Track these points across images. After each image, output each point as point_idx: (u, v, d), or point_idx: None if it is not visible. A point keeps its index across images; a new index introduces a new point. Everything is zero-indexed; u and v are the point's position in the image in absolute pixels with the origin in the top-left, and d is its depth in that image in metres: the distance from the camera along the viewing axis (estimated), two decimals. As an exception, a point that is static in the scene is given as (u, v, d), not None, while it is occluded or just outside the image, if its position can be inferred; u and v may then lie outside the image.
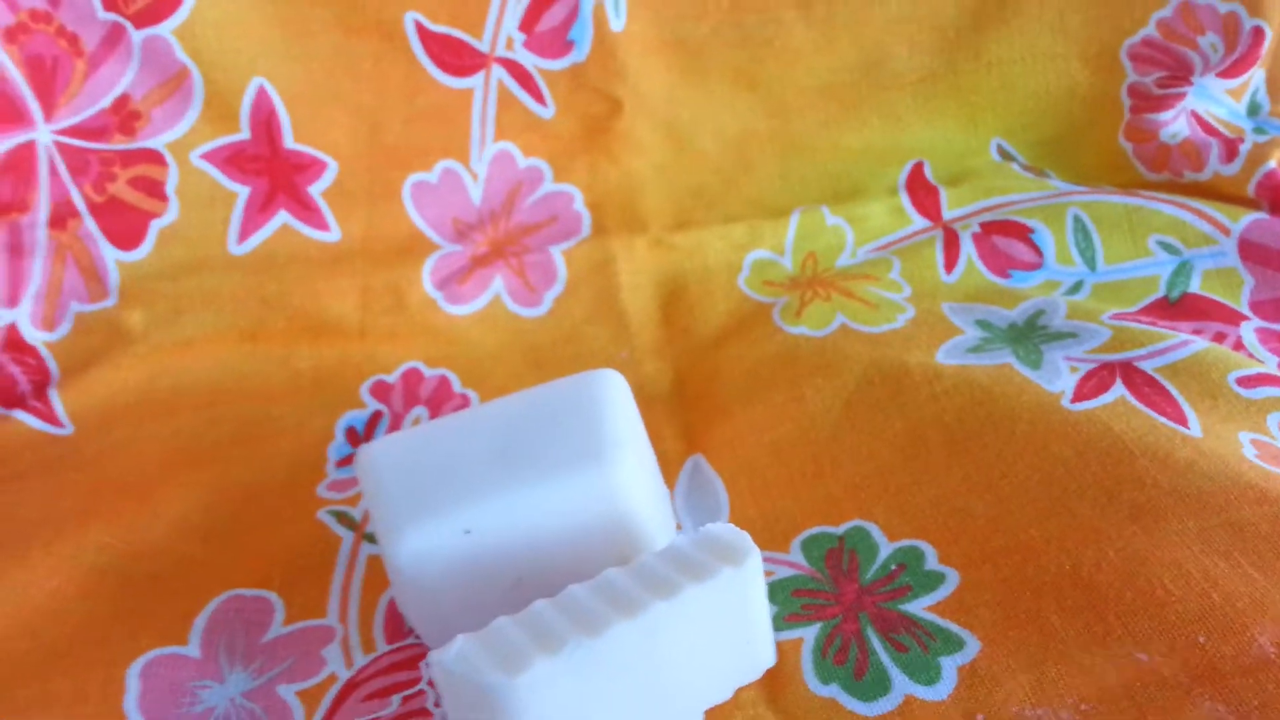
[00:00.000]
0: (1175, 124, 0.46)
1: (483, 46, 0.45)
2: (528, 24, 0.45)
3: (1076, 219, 0.44)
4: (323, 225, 0.45)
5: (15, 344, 0.41)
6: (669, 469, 0.38)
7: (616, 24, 0.45)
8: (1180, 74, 0.46)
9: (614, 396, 0.31)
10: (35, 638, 0.33)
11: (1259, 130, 0.46)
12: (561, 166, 0.47)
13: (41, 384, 0.41)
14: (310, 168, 0.44)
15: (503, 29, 0.45)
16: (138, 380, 0.41)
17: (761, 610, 0.29)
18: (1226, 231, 0.43)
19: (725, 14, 0.46)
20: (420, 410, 0.41)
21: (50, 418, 0.40)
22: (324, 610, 0.34)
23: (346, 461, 0.40)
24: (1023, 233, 0.44)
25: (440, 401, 0.42)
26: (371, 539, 0.36)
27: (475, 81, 0.45)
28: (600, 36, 0.45)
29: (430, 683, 0.30)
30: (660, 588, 0.27)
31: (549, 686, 0.25)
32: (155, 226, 0.43)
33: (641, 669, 0.26)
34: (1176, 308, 0.41)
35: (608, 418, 0.30)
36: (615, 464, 0.29)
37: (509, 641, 0.26)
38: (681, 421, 0.40)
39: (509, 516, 0.29)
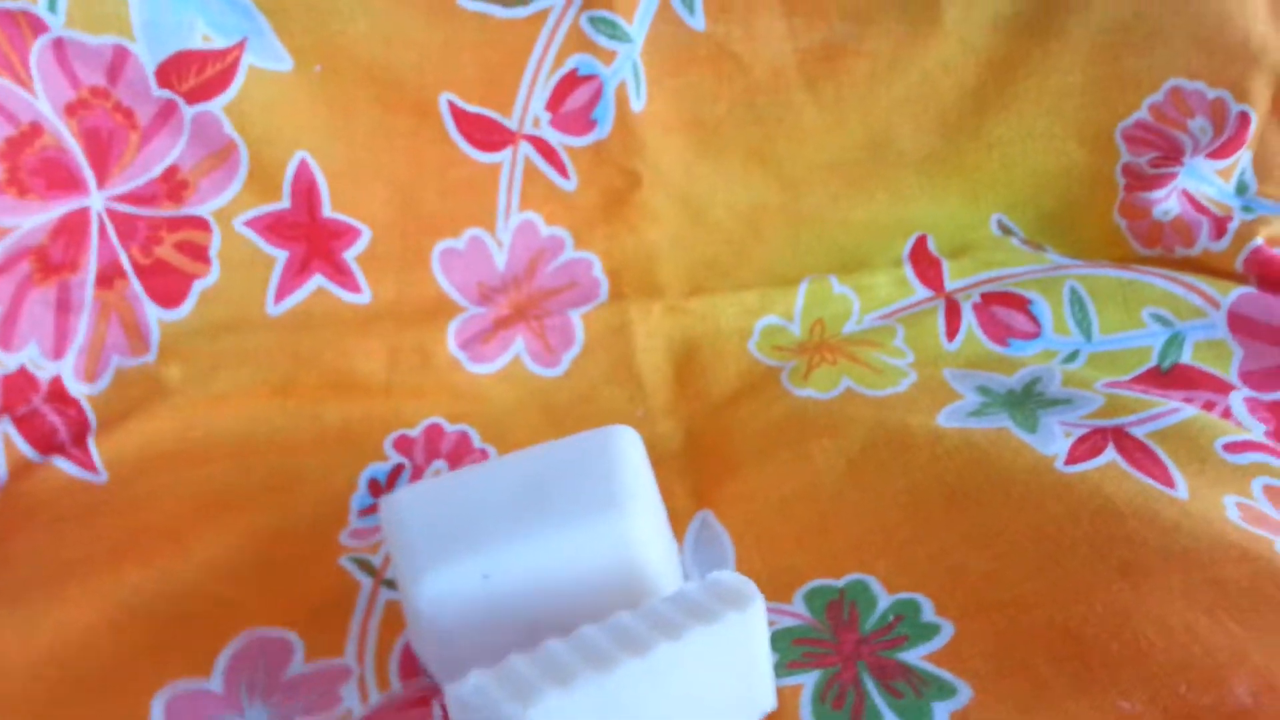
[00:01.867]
0: (1167, 202, 0.48)
1: (511, 125, 0.47)
2: (554, 104, 0.47)
3: (1073, 291, 0.46)
4: (355, 288, 0.47)
5: (58, 395, 0.44)
6: (679, 524, 0.40)
7: (637, 104, 0.48)
8: (1172, 155, 0.48)
9: (627, 450, 0.33)
10: (66, 668, 0.34)
11: (1246, 209, 0.48)
12: (582, 235, 0.49)
13: (80, 433, 0.43)
14: (346, 234, 0.46)
15: (530, 109, 0.47)
16: (173, 430, 0.43)
17: (763, 654, 0.30)
18: (1216, 305, 0.45)
19: (739, 95, 0.49)
20: (440, 464, 0.43)
21: (88, 465, 0.42)
22: (342, 650, 0.35)
23: (368, 511, 0.42)
24: (1022, 304, 0.46)
25: (460, 456, 0.44)
26: (390, 584, 0.38)
27: (504, 156, 0.48)
28: (622, 116, 0.48)
29: (442, 719, 0.32)
30: (667, 629, 0.28)
31: (560, 718, 0.26)
32: (197, 287, 0.45)
33: (648, 706, 0.28)
34: (1168, 377, 0.43)
35: (621, 470, 0.32)
36: (628, 514, 0.31)
37: (522, 676, 0.28)
38: (692, 479, 0.42)
39: (526, 562, 0.30)
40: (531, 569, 0.30)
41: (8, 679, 0.33)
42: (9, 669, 0.34)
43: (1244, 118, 0.47)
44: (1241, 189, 0.49)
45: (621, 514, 0.31)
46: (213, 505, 0.41)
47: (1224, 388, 0.42)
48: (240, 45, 0.43)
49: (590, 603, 0.31)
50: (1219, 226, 0.47)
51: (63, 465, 0.42)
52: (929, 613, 0.33)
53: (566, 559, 0.30)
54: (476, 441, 0.44)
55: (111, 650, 0.35)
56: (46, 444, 0.43)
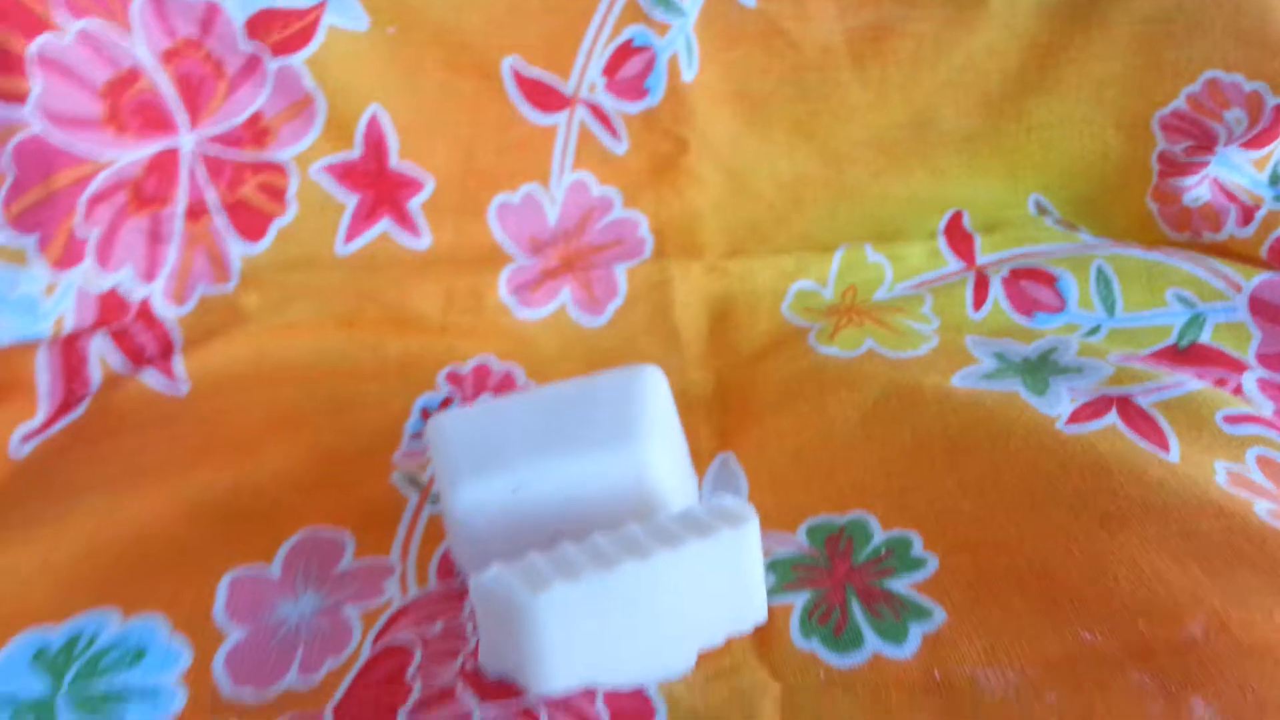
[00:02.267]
0: (1198, 189, 0.50)
1: (568, 90, 0.51)
2: (609, 71, 0.50)
3: (1100, 269, 0.48)
4: (417, 234, 0.51)
5: (146, 315, 0.48)
6: (701, 463, 0.42)
7: (688, 75, 0.51)
8: (1205, 144, 0.49)
9: (652, 387, 0.36)
10: (146, 548, 0.38)
11: (1279, 198, 0.49)
12: (630, 196, 0.52)
13: (166, 351, 0.47)
14: (411, 184, 0.50)
15: (587, 75, 0.50)
16: (248, 354, 0.47)
17: (755, 570, 0.33)
18: (1238, 288, 0.46)
19: (788, 71, 0.52)
20: (487, 398, 0.47)
21: (172, 379, 0.47)
22: (388, 550, 0.39)
23: (420, 435, 0.45)
24: (1049, 280, 0.48)
25: (505, 392, 0.47)
26: (435, 499, 0.41)
27: (560, 119, 0.51)
28: (673, 85, 0.51)
29: (469, 614, 0.35)
30: (668, 539, 0.31)
31: (566, 606, 0.29)
32: (275, 225, 0.49)
33: (646, 604, 0.31)
34: (1185, 355, 0.44)
35: (643, 404, 0.35)
36: (643, 445, 0.34)
37: (536, 569, 0.31)
38: (717, 423, 0.45)
39: (550, 480, 0.34)
40: (555, 486, 0.34)
41: (96, 555, 0.37)
42: (97, 547, 0.38)
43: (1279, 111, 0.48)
44: (1275, 179, 0.50)
45: (637, 444, 0.34)
46: (280, 422, 0.45)
47: (1239, 367, 0.43)
48: (321, 5, 0.47)
49: (605, 518, 0.34)
50: (1246, 214, 0.48)
51: (149, 379, 0.47)
52: (918, 548, 0.36)
53: (586, 480, 0.34)
54: (521, 380, 0.48)
55: (185, 536, 0.39)
56: (137, 358, 0.47)
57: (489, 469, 0.34)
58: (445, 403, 0.47)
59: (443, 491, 0.34)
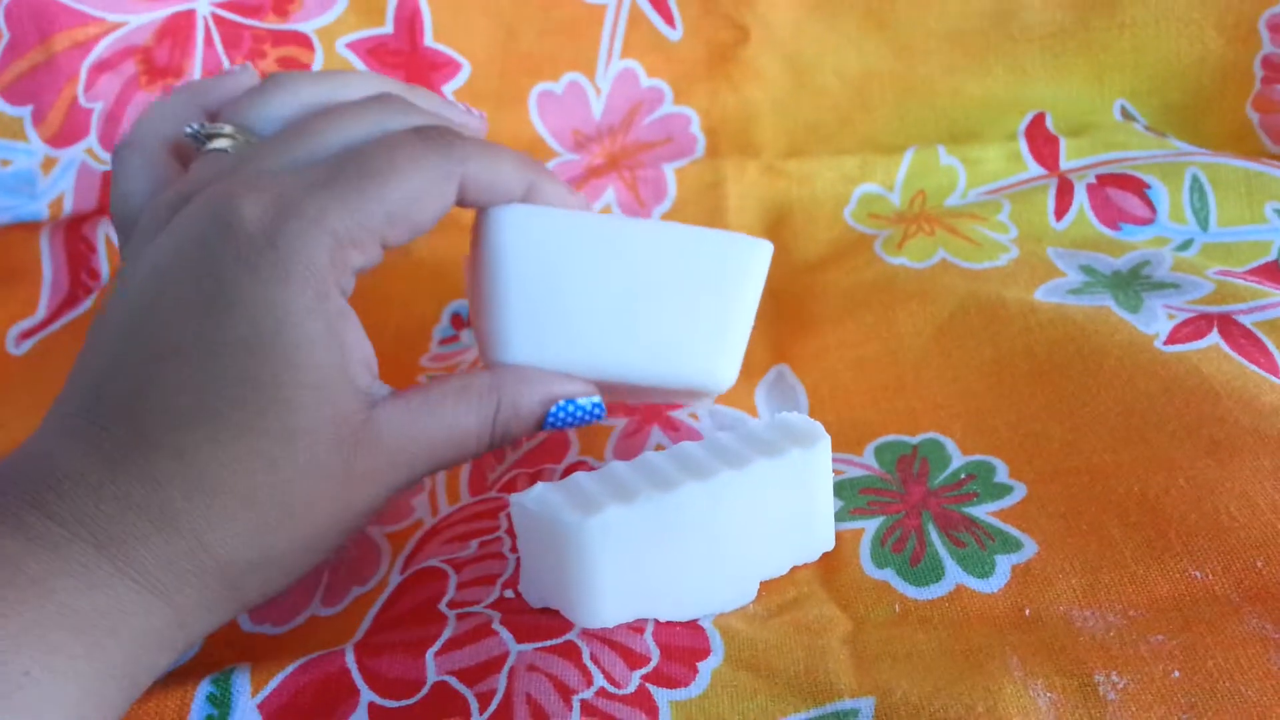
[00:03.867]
0: (1309, 95, 0.45)
1: (621, -36, 0.46)
2: (668, -56, 0.46)
3: (1194, 179, 0.44)
4: (451, 122, 0.47)
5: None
6: (753, 373, 0.39)
7: (755, -50, 0.46)
8: (1320, 45, 0.45)
9: (754, 275, 0.31)
10: None
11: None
12: (682, 90, 0.48)
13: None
14: (446, 66, 0.46)
15: (644, -53, 0.46)
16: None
17: (825, 494, 0.30)
18: (1348, 205, 0.42)
19: (862, -49, 0.47)
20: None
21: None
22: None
23: (449, 340, 0.42)
24: (1139, 187, 0.44)
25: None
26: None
27: (610, -2, 0.47)
28: (737, -38, 0.46)
29: (507, 530, 0.32)
30: (732, 459, 0.28)
31: (619, 531, 0.26)
32: (298, 106, 0.46)
33: (706, 530, 0.28)
34: (1288, 273, 0.41)
35: (737, 310, 0.31)
36: (725, 380, 0.31)
37: (585, 490, 0.28)
38: (772, 333, 0.41)
39: (611, 372, 0.30)
40: (619, 375, 0.30)
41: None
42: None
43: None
44: (1394, 86, 0.46)
45: (718, 381, 0.31)
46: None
47: (1346, 289, 0.40)
48: None
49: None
50: (1362, 122, 0.44)
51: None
52: (1002, 474, 0.32)
53: (653, 378, 0.31)
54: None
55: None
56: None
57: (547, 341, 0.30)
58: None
59: (487, 336, 0.30)
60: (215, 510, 0.24)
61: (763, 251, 0.31)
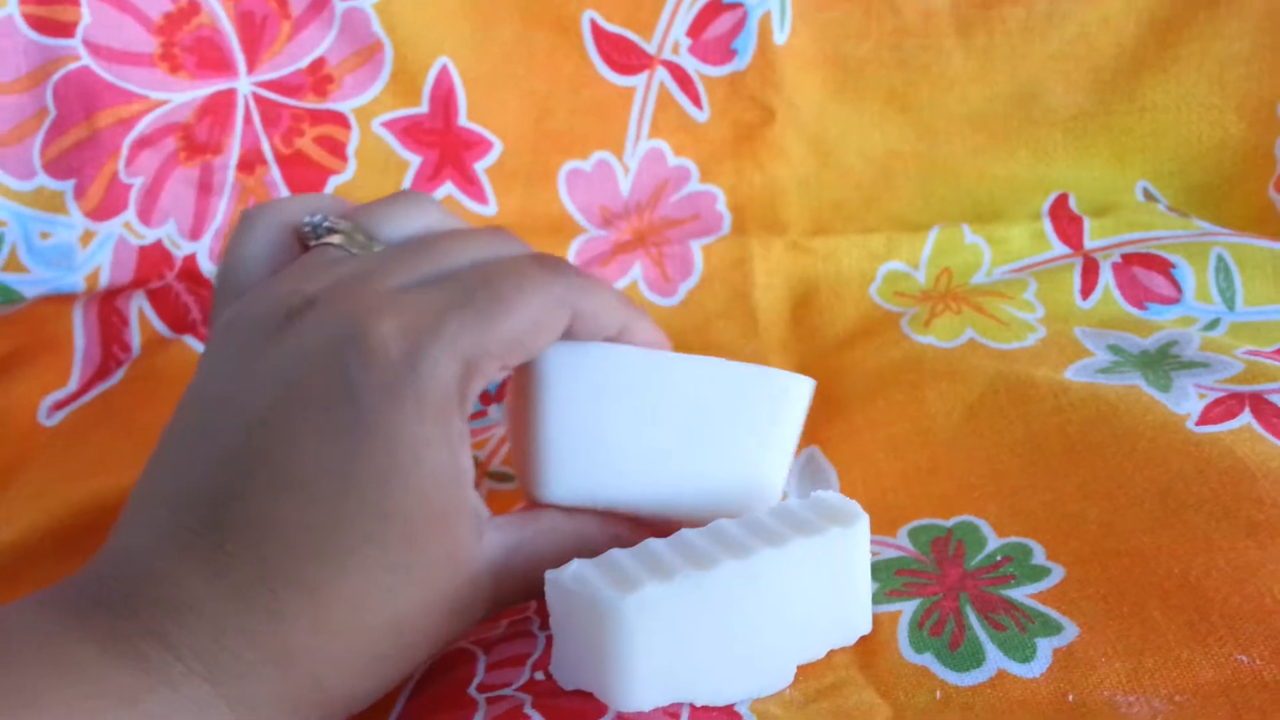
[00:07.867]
0: (1330, 179, 0.46)
1: (650, 48, 0.47)
2: (695, 30, 0.47)
3: (1219, 258, 0.44)
4: (482, 199, 0.48)
5: (191, 274, 0.45)
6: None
7: (780, 37, 0.47)
8: (1340, 130, 0.46)
9: (795, 411, 0.32)
10: None
11: None
12: (708, 168, 0.49)
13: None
14: (478, 145, 0.47)
15: (671, 33, 0.47)
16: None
17: (863, 575, 0.29)
18: (1374, 286, 0.42)
19: (886, 36, 0.48)
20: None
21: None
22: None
23: (477, 416, 0.42)
24: (1164, 267, 0.44)
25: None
26: (495, 477, 0.38)
27: (639, 81, 0.48)
28: (763, 47, 0.47)
29: (535, 609, 0.32)
30: (770, 537, 0.28)
31: (656, 609, 0.26)
32: (333, 182, 0.46)
33: (743, 611, 0.27)
34: (1316, 355, 0.41)
35: (779, 445, 0.31)
36: (771, 497, 0.31)
37: (623, 567, 0.27)
38: (802, 414, 0.41)
39: (656, 496, 0.31)
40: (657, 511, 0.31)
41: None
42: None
43: None
44: None
45: (765, 500, 0.31)
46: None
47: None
48: (394, -54, 0.44)
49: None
50: (1383, 206, 0.44)
51: (193, 343, 0.44)
52: (1040, 556, 0.32)
53: (694, 515, 0.31)
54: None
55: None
56: (180, 323, 0.44)
57: (592, 481, 0.30)
58: (505, 382, 0.44)
59: (531, 466, 0.30)
60: (336, 647, 0.24)
61: (804, 388, 0.32)
